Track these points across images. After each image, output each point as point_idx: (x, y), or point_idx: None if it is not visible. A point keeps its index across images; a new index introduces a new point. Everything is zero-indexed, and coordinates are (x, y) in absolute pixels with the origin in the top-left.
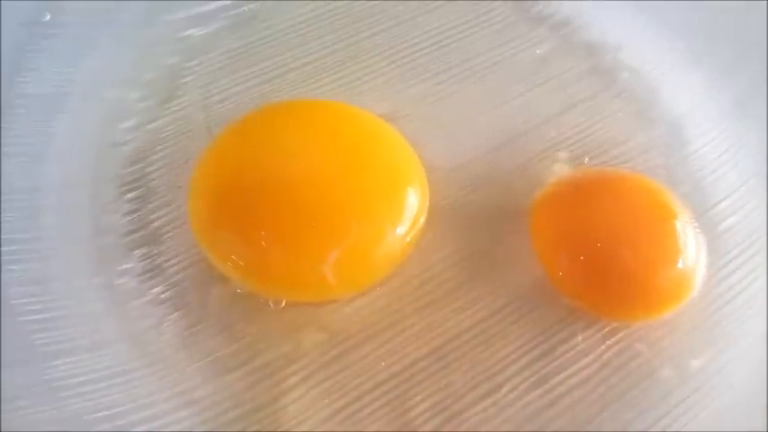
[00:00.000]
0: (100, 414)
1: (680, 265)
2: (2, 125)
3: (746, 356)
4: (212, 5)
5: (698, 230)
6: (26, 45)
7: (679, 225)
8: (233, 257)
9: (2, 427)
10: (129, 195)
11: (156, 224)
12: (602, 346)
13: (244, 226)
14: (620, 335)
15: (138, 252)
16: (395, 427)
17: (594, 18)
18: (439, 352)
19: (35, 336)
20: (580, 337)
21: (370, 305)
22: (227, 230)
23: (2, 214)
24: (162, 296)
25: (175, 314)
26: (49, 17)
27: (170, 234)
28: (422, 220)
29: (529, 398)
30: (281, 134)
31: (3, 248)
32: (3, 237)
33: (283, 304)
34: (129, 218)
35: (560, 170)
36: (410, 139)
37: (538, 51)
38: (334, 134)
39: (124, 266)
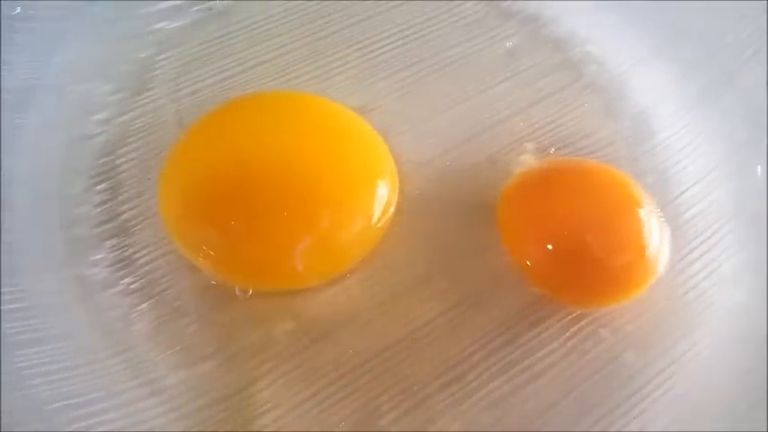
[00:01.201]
0: (68, 401)
1: (643, 252)
2: None
3: (711, 340)
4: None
5: (662, 219)
6: None
7: (642, 213)
8: (203, 248)
9: None
10: (100, 187)
11: (126, 216)
12: (567, 333)
13: (214, 216)
14: (584, 321)
15: (108, 243)
16: (362, 413)
17: (563, 13)
18: (406, 340)
19: (5, 325)
20: (545, 324)
21: (339, 295)
22: (198, 221)
23: None
24: (132, 287)
25: (145, 304)
26: (18, 10)
27: (140, 225)
28: (391, 210)
29: (494, 384)
30: (251, 126)
31: None
32: None
33: (250, 293)
34: (99, 209)
35: (527, 161)
36: (380, 132)
37: (507, 45)
38: (304, 125)
39: (95, 257)
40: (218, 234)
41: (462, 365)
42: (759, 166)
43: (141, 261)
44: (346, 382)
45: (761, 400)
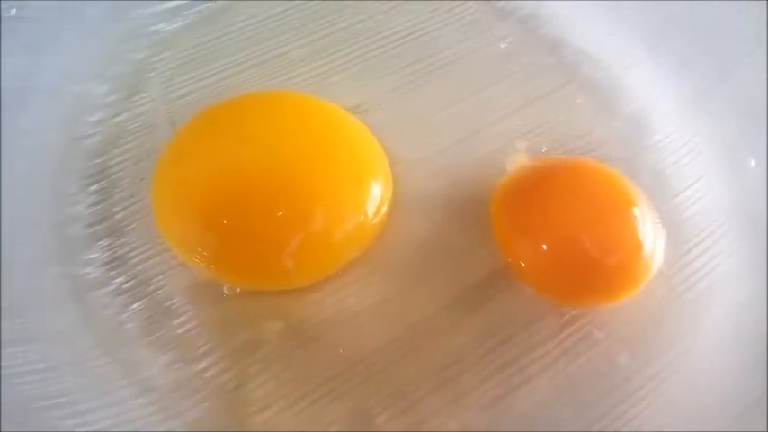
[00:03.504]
0: (57, 400)
1: (637, 251)
2: None
3: (708, 341)
4: (179, 1)
5: (658, 219)
6: None
7: (637, 212)
8: (196, 247)
9: None
10: (94, 187)
11: (119, 216)
12: (562, 334)
13: (207, 216)
14: (579, 323)
15: (101, 243)
16: (354, 415)
17: (558, 14)
18: (399, 340)
19: None
20: (540, 325)
21: (331, 294)
22: (191, 221)
23: None
24: (124, 286)
25: (137, 304)
26: (14, 12)
27: (133, 225)
28: (384, 209)
29: (488, 385)
30: (244, 126)
31: None
32: None
33: (238, 290)
34: (92, 209)
35: (521, 161)
36: (375, 131)
37: (502, 46)
38: (297, 125)
39: (87, 257)
40: (210, 233)
41: (456, 366)
42: (753, 160)
43: (133, 261)
44: (339, 383)
45: (759, 401)
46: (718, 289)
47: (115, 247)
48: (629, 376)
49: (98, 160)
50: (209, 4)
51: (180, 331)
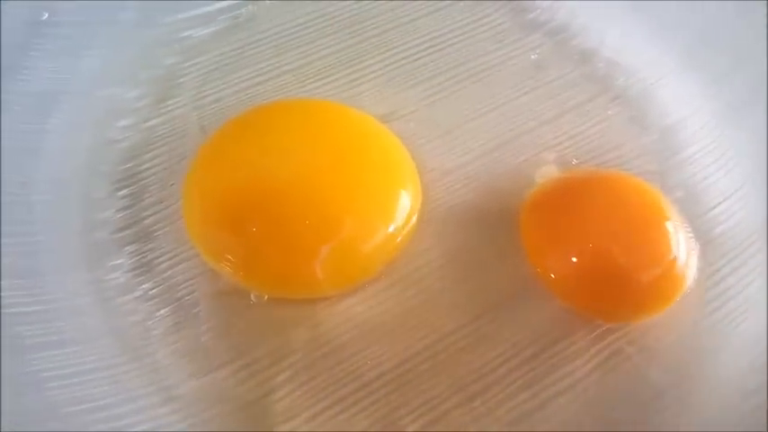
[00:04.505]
0: (84, 405)
1: (670, 267)
2: None
3: (740, 359)
4: (211, 7)
5: (690, 234)
6: (24, 43)
7: (670, 225)
8: (225, 254)
9: None
10: (123, 192)
11: (147, 221)
12: (592, 350)
13: (236, 223)
14: (611, 338)
15: (128, 248)
16: (381, 426)
17: (590, 24)
18: (427, 352)
19: (21, 327)
20: (570, 340)
21: (360, 304)
22: (221, 228)
23: None
24: (151, 292)
25: (163, 310)
26: (46, 16)
27: (161, 231)
28: (413, 219)
29: (517, 400)
30: (275, 133)
31: None
32: None
33: (266, 298)
34: (121, 214)
35: (552, 172)
36: (405, 141)
37: (533, 57)
38: (328, 133)
39: (115, 262)
40: (239, 240)
41: (484, 380)
42: None
43: (161, 267)
44: (365, 394)
45: None
46: (751, 307)
47: (143, 252)
48: (661, 394)
49: (128, 165)
50: (241, 11)
51: (206, 338)
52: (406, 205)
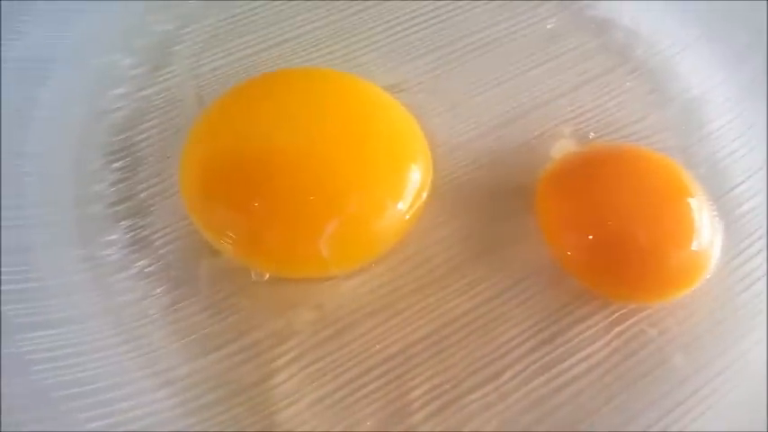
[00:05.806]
0: (75, 389)
1: (694, 245)
2: None
3: (765, 346)
4: None
5: (714, 212)
6: (14, 10)
7: (693, 203)
8: (225, 230)
9: None
10: (117, 164)
11: (143, 195)
12: (612, 332)
13: (238, 198)
14: (631, 320)
15: (123, 223)
16: (389, 412)
17: None
18: (438, 334)
19: (8, 306)
20: (588, 322)
21: (367, 283)
22: (221, 202)
23: None
24: (147, 270)
25: (160, 289)
26: None
27: (158, 206)
28: (424, 195)
29: (532, 385)
30: (277, 103)
31: None
32: None
33: (267, 277)
34: (115, 187)
35: (568, 147)
36: (413, 113)
37: (548, 26)
38: (332, 104)
39: (109, 238)
40: (240, 216)
41: (497, 364)
42: None
43: (157, 243)
44: (371, 378)
45: None
46: None
47: (138, 227)
48: (685, 379)
49: (122, 136)
50: None
51: (205, 319)
52: (416, 181)
